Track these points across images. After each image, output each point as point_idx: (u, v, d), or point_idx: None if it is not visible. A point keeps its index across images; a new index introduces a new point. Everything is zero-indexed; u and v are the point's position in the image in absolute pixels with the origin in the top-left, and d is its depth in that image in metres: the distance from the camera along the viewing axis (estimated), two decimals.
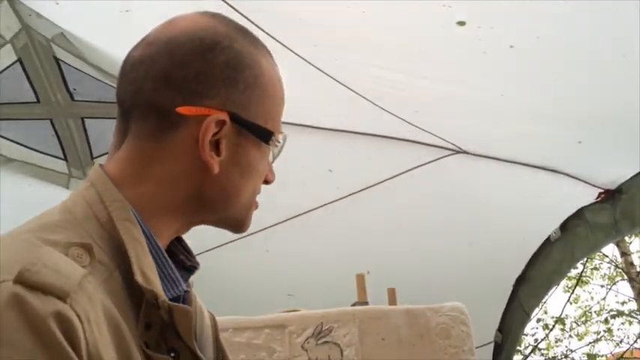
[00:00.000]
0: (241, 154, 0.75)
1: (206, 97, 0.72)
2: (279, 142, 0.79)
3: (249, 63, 0.75)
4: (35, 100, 2.55)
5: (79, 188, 0.75)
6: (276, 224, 3.20)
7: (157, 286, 0.67)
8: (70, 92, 2.55)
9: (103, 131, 2.77)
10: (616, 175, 2.95)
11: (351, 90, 2.27)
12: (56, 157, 2.85)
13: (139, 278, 0.64)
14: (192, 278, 0.84)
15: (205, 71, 0.73)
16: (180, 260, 0.80)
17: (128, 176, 0.73)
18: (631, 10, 1.48)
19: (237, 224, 0.81)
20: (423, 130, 2.64)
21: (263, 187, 0.83)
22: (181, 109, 0.71)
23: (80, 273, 0.60)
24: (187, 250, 0.82)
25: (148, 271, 0.67)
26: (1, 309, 0.55)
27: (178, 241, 0.82)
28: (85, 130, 2.77)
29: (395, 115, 2.48)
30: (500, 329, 3.90)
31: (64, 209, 0.70)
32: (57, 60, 2.36)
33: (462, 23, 1.59)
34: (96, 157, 2.90)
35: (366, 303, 1.95)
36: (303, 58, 2.03)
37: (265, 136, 0.76)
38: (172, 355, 0.66)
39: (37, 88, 2.49)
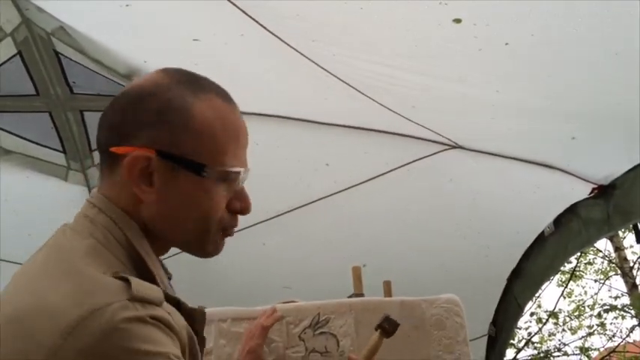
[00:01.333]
0: (176, 185, 0.86)
1: (135, 138, 0.85)
2: (225, 175, 0.88)
3: (178, 107, 0.87)
4: (35, 93, 2.56)
5: (86, 214, 0.87)
6: (272, 217, 3.23)
7: (173, 292, 0.85)
8: (70, 85, 2.56)
9: None
10: (609, 171, 2.98)
11: (349, 85, 2.29)
12: (55, 149, 2.87)
13: (163, 289, 0.81)
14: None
15: (137, 115, 0.86)
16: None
17: (116, 202, 0.88)
18: (624, 9, 1.50)
19: (198, 250, 0.91)
20: (420, 125, 2.66)
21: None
22: (113, 149, 0.85)
23: (159, 287, 0.80)
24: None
25: (165, 281, 0.85)
26: (129, 321, 0.71)
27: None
28: (84, 123, 2.78)
29: (391, 110, 2.50)
30: (494, 322, 3.94)
31: (90, 233, 0.84)
32: (57, 53, 2.38)
33: (458, 21, 1.61)
34: (94, 150, 2.91)
35: (362, 295, 1.98)
36: (301, 54, 2.05)
37: (197, 168, 0.86)
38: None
39: (36, 81, 2.51)
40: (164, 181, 0.86)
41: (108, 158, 0.88)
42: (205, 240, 0.89)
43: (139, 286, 0.76)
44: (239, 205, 0.91)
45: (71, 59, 2.42)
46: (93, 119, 2.75)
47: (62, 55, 2.40)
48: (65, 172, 3.01)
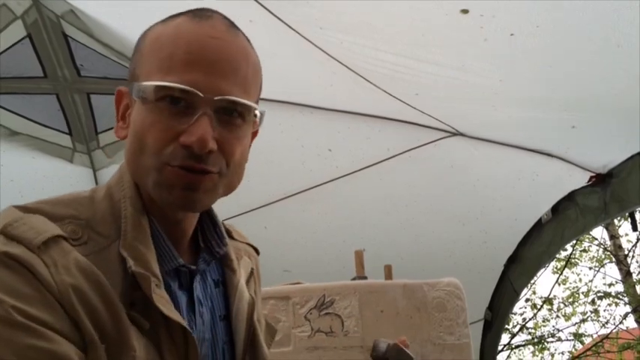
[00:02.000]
0: (132, 117, 0.79)
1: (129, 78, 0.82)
2: (148, 91, 0.76)
3: (141, 36, 0.82)
4: (42, 75, 2.58)
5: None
6: (275, 202, 3.26)
7: (144, 256, 0.75)
8: (77, 68, 2.58)
9: (108, 107, 2.80)
10: (607, 160, 3.02)
11: (354, 72, 2.32)
12: (61, 131, 2.89)
13: (122, 249, 0.74)
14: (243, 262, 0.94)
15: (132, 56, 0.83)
16: (211, 246, 0.88)
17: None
18: (625, 2, 1.53)
19: (160, 195, 0.78)
20: (422, 112, 2.69)
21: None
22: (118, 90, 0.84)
23: (57, 231, 0.71)
24: (220, 237, 0.89)
25: (137, 244, 0.75)
26: None
27: (214, 228, 0.89)
28: (91, 106, 2.80)
29: (395, 98, 2.53)
30: (490, 307, 4.01)
31: (93, 189, 0.82)
32: (65, 36, 2.39)
33: (465, 11, 1.64)
34: (100, 133, 2.94)
35: (365, 277, 2.03)
36: (309, 40, 2.07)
37: (132, 89, 0.79)
38: (164, 315, 0.74)
39: (44, 63, 2.53)
40: (131, 114, 0.80)
41: None
42: (159, 179, 0.76)
43: (27, 222, 0.70)
44: (189, 137, 0.74)
45: (79, 42, 2.44)
46: (99, 102, 2.78)
47: (71, 37, 2.41)
48: (71, 154, 3.04)
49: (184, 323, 0.75)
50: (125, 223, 0.76)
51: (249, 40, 0.84)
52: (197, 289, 0.83)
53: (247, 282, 0.93)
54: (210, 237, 0.88)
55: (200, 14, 0.79)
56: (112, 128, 2.95)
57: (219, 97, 0.75)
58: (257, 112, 0.81)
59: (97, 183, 3.16)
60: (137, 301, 0.73)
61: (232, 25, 0.82)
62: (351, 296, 1.79)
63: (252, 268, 0.97)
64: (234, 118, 0.78)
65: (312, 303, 1.78)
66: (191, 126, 0.74)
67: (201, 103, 0.75)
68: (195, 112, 0.75)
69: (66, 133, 2.90)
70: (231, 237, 0.96)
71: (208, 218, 0.89)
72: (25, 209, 0.74)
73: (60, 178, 3.07)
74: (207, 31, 0.77)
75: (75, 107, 2.79)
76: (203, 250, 0.87)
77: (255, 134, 0.88)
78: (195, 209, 0.81)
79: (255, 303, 0.91)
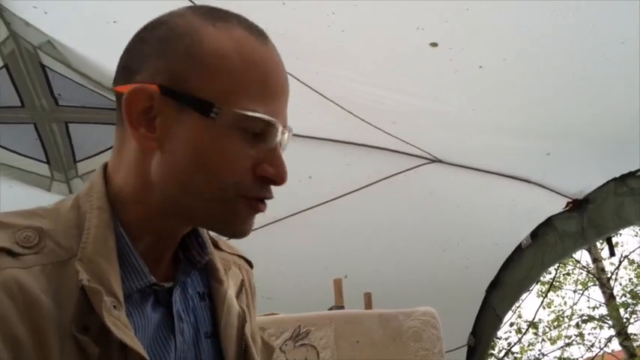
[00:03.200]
0: (182, 131, 0.68)
1: (137, 74, 0.69)
2: (242, 121, 0.68)
3: (183, 33, 0.69)
4: (20, 104, 2.58)
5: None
6: (255, 229, 3.25)
7: (104, 271, 0.67)
8: (55, 97, 2.58)
9: (87, 136, 2.80)
10: (583, 186, 3.07)
11: (332, 101, 2.35)
12: (39, 160, 2.88)
13: (77, 262, 0.66)
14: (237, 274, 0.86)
15: (139, 49, 0.71)
16: (191, 256, 0.79)
17: (113, 164, 0.74)
18: (591, 36, 1.58)
19: (222, 225, 0.72)
20: (401, 140, 2.73)
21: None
22: (116, 88, 0.70)
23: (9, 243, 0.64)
24: (201, 246, 0.80)
25: (98, 258, 0.67)
26: None
27: (195, 237, 0.80)
28: (69, 135, 2.80)
29: (373, 126, 2.56)
30: (473, 333, 4.01)
31: (60, 201, 0.74)
32: (43, 66, 2.40)
33: (434, 44, 1.68)
34: (79, 161, 2.93)
35: (342, 307, 2.03)
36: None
37: (204, 107, 0.67)
38: (122, 342, 0.64)
39: (22, 92, 2.53)
40: (167, 124, 0.68)
41: (117, 105, 0.72)
42: (227, 209, 0.70)
43: None
44: (271, 169, 0.70)
45: (57, 72, 2.44)
46: (77, 131, 2.78)
47: (48, 67, 2.42)
48: (49, 183, 3.02)
49: (143, 353, 0.66)
50: (87, 235, 0.68)
51: None
52: (177, 303, 0.75)
53: (237, 295, 0.85)
54: (191, 246, 0.79)
55: (257, 31, 0.73)
56: (91, 157, 2.95)
57: (288, 131, 0.73)
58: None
59: None
60: (92, 324, 0.64)
61: None
62: (327, 327, 1.78)
63: (242, 280, 0.88)
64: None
65: (287, 334, 1.77)
66: (272, 157, 0.70)
67: (278, 134, 0.70)
68: (271, 142, 0.70)
69: (44, 162, 2.89)
70: (218, 248, 0.88)
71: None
72: None
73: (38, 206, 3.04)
74: (276, 58, 0.73)
75: (53, 136, 2.78)
76: (182, 261, 0.79)
77: None
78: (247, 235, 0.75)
79: (248, 317, 0.83)
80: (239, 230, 0.72)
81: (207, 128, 0.67)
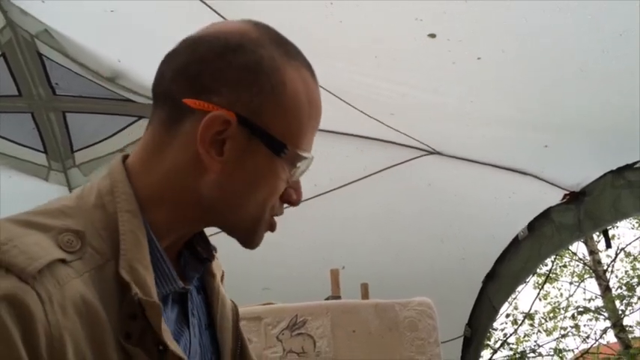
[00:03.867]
0: (248, 160, 0.72)
1: (215, 94, 0.71)
2: (298, 160, 0.75)
3: (269, 70, 0.72)
4: (17, 93, 2.58)
5: (99, 175, 0.75)
6: None
7: (145, 279, 0.67)
8: (52, 87, 2.57)
9: (84, 125, 2.80)
10: (580, 178, 3.08)
11: (330, 93, 2.35)
12: (36, 149, 2.87)
13: (122, 270, 0.65)
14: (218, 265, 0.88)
15: (220, 69, 0.72)
16: (197, 252, 0.82)
17: (142, 164, 0.74)
18: (590, 27, 1.58)
19: (245, 237, 0.78)
20: (399, 131, 2.72)
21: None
22: (187, 101, 0.71)
23: (52, 257, 0.61)
24: (205, 241, 0.83)
25: (137, 265, 0.67)
26: None
27: (199, 232, 0.82)
28: (66, 124, 2.79)
29: (371, 117, 2.56)
30: (469, 324, 4.02)
31: (78, 196, 0.72)
32: (40, 55, 2.39)
33: (432, 36, 1.68)
34: (76, 151, 2.93)
35: (339, 297, 2.03)
36: None
37: (277, 147, 0.72)
38: (160, 348, 0.66)
39: (19, 82, 2.52)
40: (236, 151, 0.72)
41: (173, 109, 0.73)
42: (258, 226, 0.77)
43: (19, 244, 0.60)
44: (294, 195, 0.78)
45: (54, 61, 2.44)
46: (75, 120, 2.77)
47: (45, 57, 2.41)
48: (46, 172, 3.02)
49: (184, 357, 0.68)
50: (124, 241, 0.67)
51: None
52: (190, 301, 0.79)
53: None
54: (195, 242, 0.82)
55: (312, 70, 0.79)
56: (88, 146, 2.94)
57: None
58: None
59: None
60: (133, 332, 0.64)
61: None
62: (324, 316, 1.79)
63: (222, 271, 0.91)
64: None
65: (284, 324, 1.78)
66: (297, 185, 0.78)
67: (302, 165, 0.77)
68: (298, 172, 0.77)
69: (41, 152, 2.89)
70: None
71: None
72: (15, 222, 0.64)
73: (36, 196, 3.04)
74: (320, 98, 0.80)
75: (50, 126, 2.77)
76: (187, 257, 0.81)
77: None
78: None
79: (238, 311, 0.88)
80: (257, 243, 0.79)
81: (271, 162, 0.73)
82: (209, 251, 0.83)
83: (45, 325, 0.57)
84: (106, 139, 2.86)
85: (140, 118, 2.68)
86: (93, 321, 0.62)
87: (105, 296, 0.64)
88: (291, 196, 0.78)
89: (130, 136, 2.80)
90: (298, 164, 0.75)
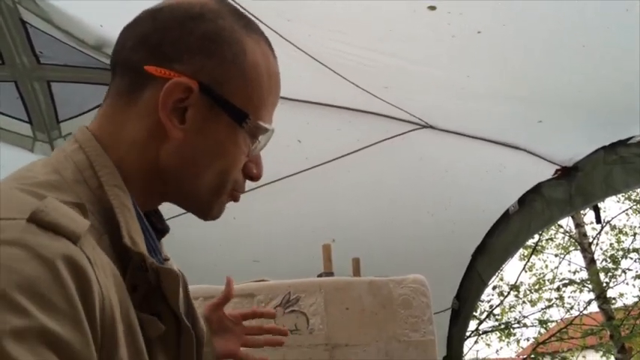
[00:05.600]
0: (209, 129, 0.73)
1: (177, 62, 0.71)
2: (259, 132, 0.75)
3: (230, 40, 0.73)
4: (0, 62, 2.49)
5: (64, 148, 0.72)
6: (244, 192, 3.23)
7: (144, 249, 0.67)
8: (36, 55, 2.49)
9: (70, 95, 2.73)
10: (573, 153, 3.08)
11: (322, 64, 2.30)
12: (21, 119, 2.80)
13: (127, 241, 0.65)
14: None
15: (181, 37, 0.72)
16: (151, 222, 0.79)
17: (109, 136, 0.73)
18: (594, 3, 1.54)
19: (201, 208, 0.78)
20: (392, 104, 2.69)
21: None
22: (149, 68, 0.71)
23: (86, 221, 0.61)
24: (157, 213, 0.82)
25: (135, 236, 0.67)
26: (9, 244, 0.53)
27: None
28: (51, 94, 2.72)
29: (364, 90, 2.52)
30: (457, 296, 4.06)
31: (51, 170, 0.68)
32: (23, 22, 2.31)
33: (432, 8, 1.63)
34: (62, 121, 2.86)
35: (332, 273, 2.02)
36: (276, 32, 2.03)
37: (239, 117, 0.73)
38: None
39: (1, 49, 2.43)
40: (197, 120, 0.72)
41: (133, 78, 0.73)
42: (216, 198, 0.77)
43: (57, 207, 0.58)
44: (254, 169, 0.79)
45: (38, 29, 2.35)
46: (60, 89, 2.69)
47: (29, 24, 2.33)
48: (31, 143, 2.95)
49: (189, 327, 0.73)
50: (121, 214, 0.67)
51: None
52: None
53: None
54: (149, 214, 0.80)
55: (270, 44, 0.81)
56: (74, 117, 2.87)
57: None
58: None
59: None
60: (134, 302, 0.65)
61: None
62: (317, 293, 1.78)
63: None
64: None
65: (276, 301, 1.77)
66: (257, 159, 0.79)
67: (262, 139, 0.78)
68: (259, 145, 0.78)
69: (26, 122, 2.82)
70: None
71: None
72: (27, 192, 0.61)
73: (20, 167, 2.98)
74: (279, 74, 0.81)
75: (35, 95, 2.70)
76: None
77: None
78: None
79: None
80: (214, 216, 0.80)
81: (232, 132, 0.74)
82: (162, 223, 0.83)
83: (97, 286, 0.57)
84: (92, 109, 2.79)
85: None
86: (121, 286, 0.63)
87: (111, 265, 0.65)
88: (252, 170, 0.79)
89: None
90: (260, 137, 0.76)
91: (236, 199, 0.80)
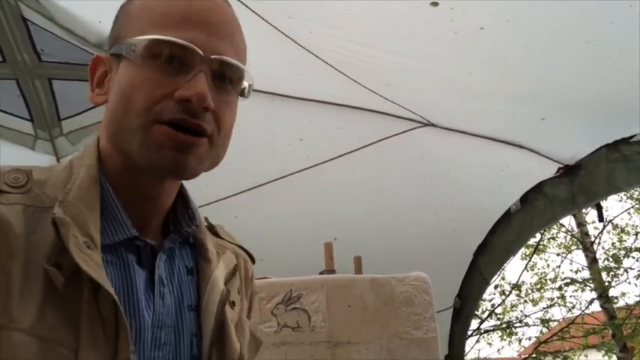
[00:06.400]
0: (116, 78, 0.76)
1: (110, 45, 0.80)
2: (152, 47, 0.73)
3: (126, 3, 0.80)
4: (1, 59, 2.49)
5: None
6: (245, 190, 3.23)
7: (85, 217, 0.70)
8: (38, 53, 2.49)
9: (71, 93, 2.72)
10: (575, 152, 3.06)
11: (324, 61, 2.29)
12: (22, 118, 2.80)
13: (57, 206, 0.69)
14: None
15: (115, 21, 0.82)
16: (180, 227, 0.82)
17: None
18: (593, 2, 1.53)
19: (148, 159, 0.73)
20: (394, 103, 2.68)
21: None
22: (96, 56, 0.81)
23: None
24: (190, 218, 0.83)
25: (79, 202, 0.71)
26: None
27: (186, 209, 0.84)
28: (53, 92, 2.72)
29: (366, 88, 2.51)
30: (459, 295, 4.06)
31: (56, 164, 0.83)
32: (24, 20, 2.30)
33: (435, 4, 1.62)
34: (63, 119, 2.86)
35: (334, 271, 2.02)
36: (278, 29, 2.03)
37: (126, 49, 0.74)
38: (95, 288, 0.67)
39: (3, 47, 2.43)
40: (112, 80, 0.77)
41: None
42: (146, 139, 0.72)
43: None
44: (186, 91, 0.72)
45: (39, 26, 2.35)
46: (61, 87, 2.69)
47: (30, 21, 2.32)
48: (33, 141, 2.95)
49: (111, 290, 0.67)
50: (72, 184, 0.73)
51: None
52: (160, 268, 0.78)
53: (229, 279, 0.87)
54: (181, 218, 0.83)
55: None
56: (76, 115, 2.87)
57: (217, 57, 0.74)
58: (247, 83, 0.80)
59: None
60: (65, 264, 0.67)
61: None
62: (319, 291, 1.77)
63: (235, 265, 0.90)
64: (226, 84, 0.77)
65: (278, 298, 1.76)
66: (188, 82, 0.72)
67: (198, 61, 0.73)
68: (192, 70, 0.73)
69: (27, 120, 2.81)
70: (216, 235, 0.93)
71: (181, 199, 0.84)
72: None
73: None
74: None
75: (36, 93, 2.70)
76: (172, 231, 0.82)
77: None
78: (184, 174, 0.75)
79: (236, 300, 0.87)
80: (164, 162, 0.73)
81: (128, 66, 0.74)
82: (191, 225, 0.83)
83: None
84: (93, 107, 2.79)
85: None
86: (6, 238, 0.67)
87: (39, 232, 0.68)
88: (182, 94, 0.72)
89: None
90: (161, 50, 0.73)
91: (175, 135, 0.72)
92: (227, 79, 0.76)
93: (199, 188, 0.84)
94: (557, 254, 10.07)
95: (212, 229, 0.92)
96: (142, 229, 0.77)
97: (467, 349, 6.39)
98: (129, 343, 0.68)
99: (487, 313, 9.46)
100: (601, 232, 9.45)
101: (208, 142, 0.75)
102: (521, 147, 3.09)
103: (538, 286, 9.99)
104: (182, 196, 0.85)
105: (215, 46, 0.75)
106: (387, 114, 2.87)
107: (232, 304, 0.85)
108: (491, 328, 9.81)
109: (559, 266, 10.03)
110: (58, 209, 0.69)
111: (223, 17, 0.78)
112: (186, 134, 0.72)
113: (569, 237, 9.93)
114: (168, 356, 0.76)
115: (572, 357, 9.91)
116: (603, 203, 3.34)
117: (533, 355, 9.56)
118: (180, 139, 0.72)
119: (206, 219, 0.91)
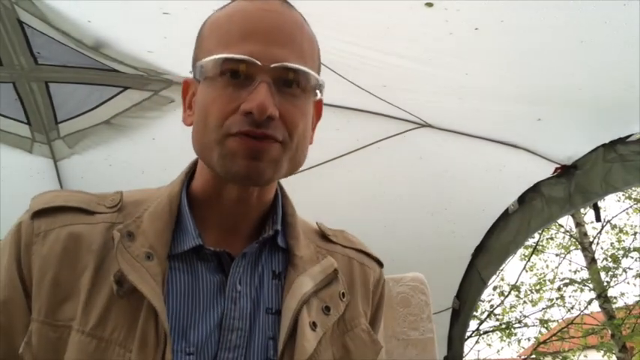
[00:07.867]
0: (196, 100, 0.82)
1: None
2: (213, 68, 0.78)
3: (202, 26, 0.85)
4: None
5: None
6: None
7: (148, 227, 0.80)
8: (34, 56, 2.49)
9: (68, 96, 2.72)
10: (572, 152, 3.07)
11: (321, 63, 2.29)
12: (19, 121, 2.80)
13: (122, 224, 0.81)
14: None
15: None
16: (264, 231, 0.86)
17: None
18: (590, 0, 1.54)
19: (226, 169, 0.77)
20: (390, 104, 2.68)
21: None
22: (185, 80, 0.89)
23: (60, 203, 0.81)
24: (274, 222, 0.87)
25: (150, 217, 0.82)
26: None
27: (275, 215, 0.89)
28: (50, 95, 2.72)
29: (363, 89, 2.51)
30: (458, 296, 4.05)
31: None
32: (21, 23, 2.31)
33: (429, 5, 1.63)
34: (60, 122, 2.86)
35: None
36: None
37: (199, 71, 0.80)
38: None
39: None
40: (196, 100, 0.83)
41: None
42: (221, 151, 0.77)
43: (44, 195, 0.83)
44: (248, 104, 0.75)
45: (36, 29, 2.35)
46: (58, 90, 2.69)
47: (26, 24, 2.32)
48: (30, 144, 2.95)
49: (155, 302, 0.73)
50: (154, 200, 0.84)
51: (303, 16, 0.86)
52: (236, 274, 0.81)
53: (326, 283, 0.88)
54: (268, 224, 0.87)
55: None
56: (73, 118, 2.87)
57: (276, 65, 0.76)
58: (318, 81, 0.81)
59: (58, 174, 3.08)
60: (124, 282, 0.77)
61: (286, 1, 0.84)
62: None
63: (335, 269, 0.90)
64: (294, 89, 0.79)
65: None
66: (250, 94, 0.76)
67: (259, 72, 0.76)
68: (254, 82, 0.76)
69: (24, 123, 2.81)
70: (326, 239, 0.97)
71: (272, 206, 0.89)
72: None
73: (19, 168, 2.98)
74: (261, 6, 0.80)
75: (33, 96, 2.70)
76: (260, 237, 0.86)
77: (319, 114, 0.92)
78: (260, 180, 0.78)
79: (310, 301, 0.85)
80: (240, 170, 0.77)
81: (203, 86, 0.80)
82: (269, 230, 0.86)
83: (29, 248, 0.78)
84: (91, 110, 2.79)
85: (126, 88, 2.60)
86: (78, 252, 0.78)
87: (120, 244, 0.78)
88: (245, 106, 0.76)
89: (115, 108, 2.73)
90: (225, 68, 0.77)
91: (248, 143, 0.76)
92: (293, 83, 0.78)
93: None
94: (556, 255, 10.08)
95: (323, 233, 0.98)
96: (229, 237, 0.84)
97: (466, 350, 6.39)
98: (171, 348, 0.74)
99: (486, 314, 9.46)
100: (599, 233, 9.46)
101: (282, 147, 0.77)
102: (517, 147, 3.10)
103: (537, 287, 10.00)
104: (275, 202, 0.89)
105: (274, 53, 0.77)
106: (384, 115, 2.87)
107: (326, 310, 0.85)
108: (491, 329, 9.81)
109: (558, 267, 10.05)
110: (124, 225, 0.80)
111: (280, 23, 0.80)
112: (256, 140, 0.76)
113: (567, 237, 9.94)
114: (240, 358, 0.79)
115: (572, 357, 9.91)
116: (601, 203, 3.34)
117: (533, 356, 9.56)
118: (249, 145, 0.76)
119: (319, 224, 0.99)
